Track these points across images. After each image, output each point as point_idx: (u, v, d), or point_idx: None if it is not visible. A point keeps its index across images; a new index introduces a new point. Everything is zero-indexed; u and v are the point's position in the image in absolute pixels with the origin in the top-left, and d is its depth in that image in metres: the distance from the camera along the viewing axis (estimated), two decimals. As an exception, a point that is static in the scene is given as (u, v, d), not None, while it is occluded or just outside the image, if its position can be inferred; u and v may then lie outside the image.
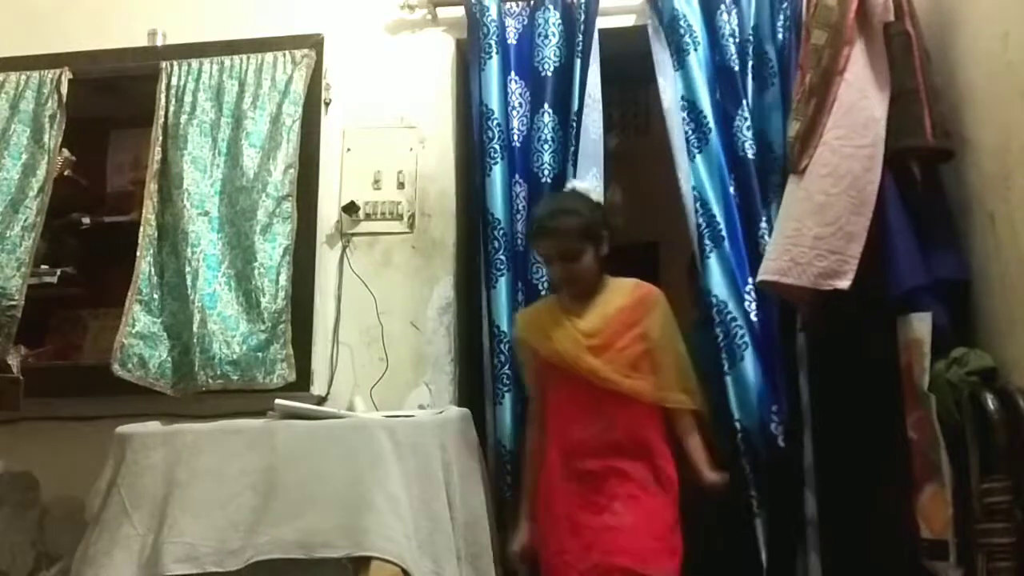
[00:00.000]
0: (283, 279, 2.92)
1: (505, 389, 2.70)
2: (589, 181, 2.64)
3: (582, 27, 2.86)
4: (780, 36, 2.77)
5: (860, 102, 2.23)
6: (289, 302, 2.90)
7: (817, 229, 2.21)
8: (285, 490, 2.21)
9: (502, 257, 2.78)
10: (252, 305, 2.90)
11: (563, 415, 2.37)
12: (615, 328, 2.35)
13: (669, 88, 2.78)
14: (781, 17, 2.77)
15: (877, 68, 2.25)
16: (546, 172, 2.80)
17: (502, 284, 2.77)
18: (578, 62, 2.83)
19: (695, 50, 2.78)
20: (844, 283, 2.17)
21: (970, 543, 1.86)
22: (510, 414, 2.68)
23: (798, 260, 2.23)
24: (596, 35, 2.85)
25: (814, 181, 2.25)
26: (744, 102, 2.73)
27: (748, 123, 2.71)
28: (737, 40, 2.79)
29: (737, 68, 2.76)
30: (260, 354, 2.86)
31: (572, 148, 2.77)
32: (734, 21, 2.81)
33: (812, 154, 2.26)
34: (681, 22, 2.79)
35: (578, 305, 2.40)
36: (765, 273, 2.33)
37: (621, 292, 2.41)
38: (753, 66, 2.77)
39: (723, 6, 2.81)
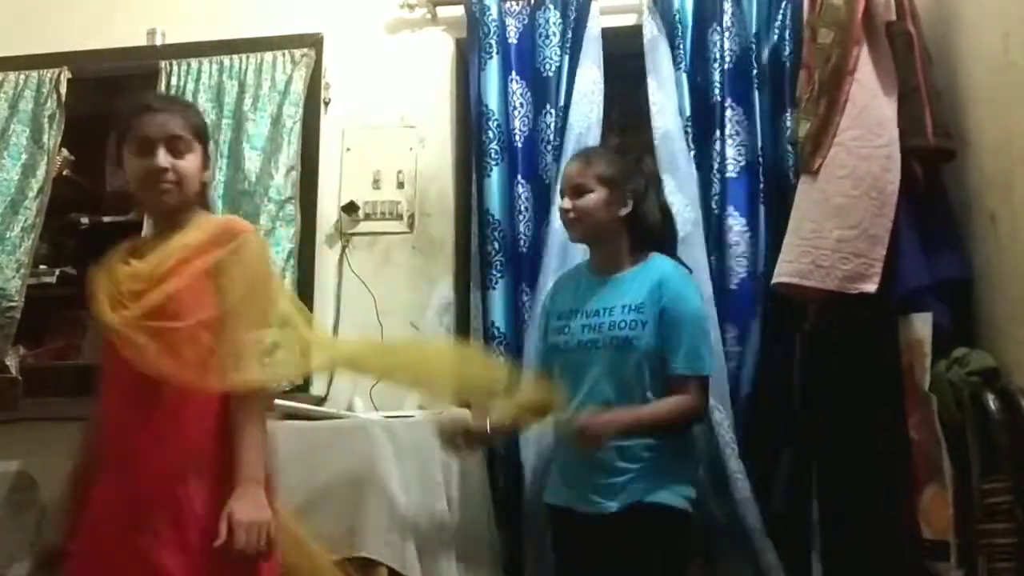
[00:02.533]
0: (287, 283, 2.92)
1: (502, 390, 2.69)
2: None
3: (572, 24, 2.86)
4: (779, 41, 2.75)
5: (872, 102, 2.23)
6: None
7: (839, 232, 2.19)
8: (286, 494, 2.19)
9: (501, 259, 2.78)
10: None
11: (103, 406, 1.77)
12: (167, 269, 1.70)
13: (669, 104, 2.74)
14: (779, 19, 2.76)
15: (884, 68, 2.25)
16: (550, 174, 2.80)
17: (501, 286, 2.76)
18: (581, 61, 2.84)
19: (684, 70, 2.77)
20: (871, 286, 2.15)
21: (971, 544, 1.85)
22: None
23: (820, 263, 2.21)
24: (595, 33, 2.84)
25: (831, 182, 2.23)
26: (717, 133, 2.70)
27: (717, 167, 2.68)
28: (728, 58, 2.76)
29: (717, 97, 2.72)
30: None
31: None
32: (728, 36, 2.76)
33: (826, 154, 2.25)
34: (678, 31, 2.79)
35: (153, 243, 1.79)
36: (783, 275, 2.29)
37: (204, 226, 1.78)
38: (754, 82, 2.73)
39: (715, 24, 2.78)
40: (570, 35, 2.87)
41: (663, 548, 2.06)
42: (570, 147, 2.72)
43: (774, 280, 2.34)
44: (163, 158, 1.73)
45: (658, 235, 2.23)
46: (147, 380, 1.63)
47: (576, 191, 2.20)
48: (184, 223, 1.77)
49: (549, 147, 2.81)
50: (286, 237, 2.96)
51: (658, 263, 2.18)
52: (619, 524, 2.05)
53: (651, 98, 2.75)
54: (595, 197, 2.18)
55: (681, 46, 2.78)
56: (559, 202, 2.29)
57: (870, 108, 2.22)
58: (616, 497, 2.07)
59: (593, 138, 2.76)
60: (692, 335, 2.10)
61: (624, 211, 2.19)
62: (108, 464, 1.70)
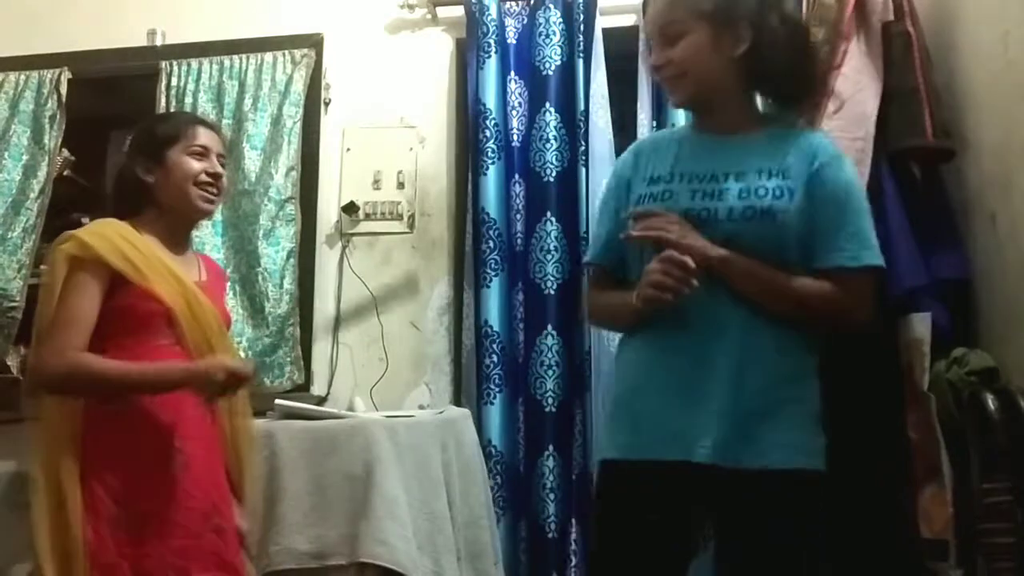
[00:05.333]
0: (287, 282, 2.93)
1: (496, 389, 2.70)
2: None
3: (581, 27, 2.86)
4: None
5: (857, 95, 2.23)
6: (296, 305, 2.91)
7: None
8: (290, 496, 2.20)
9: (496, 257, 2.79)
10: (257, 310, 2.92)
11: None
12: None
13: (646, 121, 2.76)
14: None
15: (872, 68, 2.25)
16: (548, 171, 2.81)
17: (496, 284, 2.77)
18: (580, 62, 2.84)
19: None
20: None
21: (970, 544, 1.85)
22: (501, 414, 2.69)
23: None
24: (599, 34, 2.85)
25: None
26: None
27: None
28: None
29: None
30: (267, 359, 2.87)
31: (582, 148, 2.78)
32: None
33: None
34: None
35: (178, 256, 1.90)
36: None
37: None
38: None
39: None
40: (569, 34, 2.88)
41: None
42: (596, 150, 2.75)
43: None
44: (220, 167, 1.89)
45: (794, 73, 1.58)
46: None
47: (668, 38, 1.58)
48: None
49: (549, 145, 2.82)
50: (286, 236, 2.97)
51: (808, 132, 1.60)
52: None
53: (638, 116, 2.78)
54: (694, 40, 1.55)
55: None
56: (650, 59, 1.67)
57: (852, 101, 2.22)
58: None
59: (609, 141, 2.79)
60: (857, 215, 1.51)
61: (740, 48, 1.55)
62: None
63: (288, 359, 2.88)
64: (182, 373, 1.71)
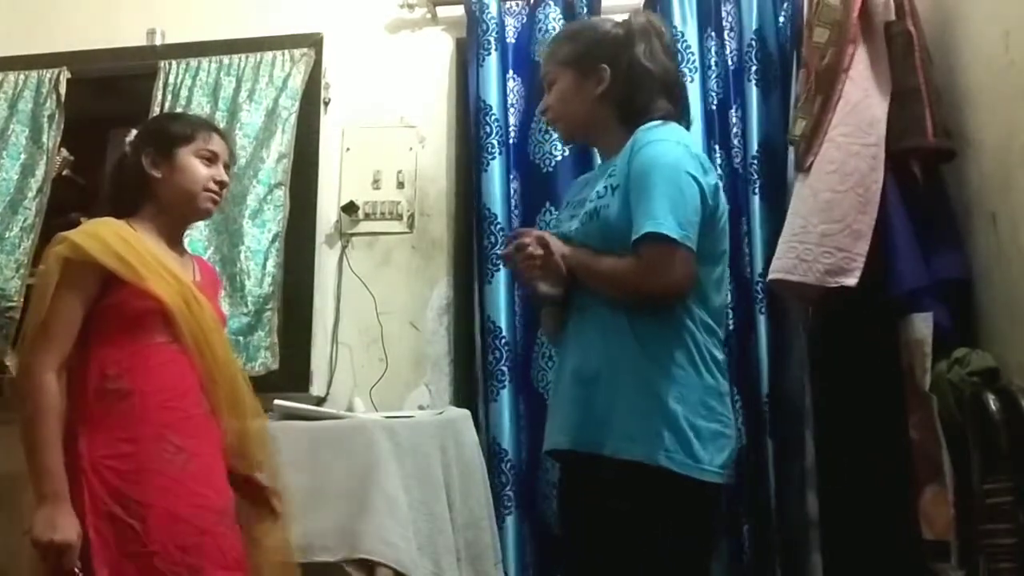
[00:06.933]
0: (271, 265, 2.92)
1: (500, 386, 2.70)
2: None
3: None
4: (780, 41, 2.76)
5: (865, 100, 2.23)
6: (277, 289, 2.91)
7: (824, 226, 2.20)
8: (287, 494, 2.19)
9: (497, 252, 2.78)
10: (236, 288, 2.90)
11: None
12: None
13: None
14: (782, 18, 2.78)
15: (879, 68, 2.25)
16: (547, 162, 2.80)
17: (499, 279, 2.76)
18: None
19: (690, 80, 2.70)
20: (851, 280, 2.16)
21: (972, 544, 1.85)
22: (507, 412, 2.68)
23: (804, 257, 2.22)
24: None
25: (820, 178, 2.24)
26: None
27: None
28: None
29: (715, 102, 2.74)
30: (242, 339, 2.85)
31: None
32: (731, 45, 2.80)
33: (817, 151, 2.26)
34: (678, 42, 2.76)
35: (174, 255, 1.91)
36: (773, 272, 2.32)
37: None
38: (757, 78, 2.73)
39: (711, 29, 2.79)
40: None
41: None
42: None
43: (768, 278, 2.36)
44: (226, 176, 1.93)
45: (643, 98, 1.74)
46: None
47: (547, 86, 1.84)
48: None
49: (547, 136, 2.80)
50: (273, 220, 2.96)
51: (640, 130, 1.71)
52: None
53: None
54: (561, 86, 1.79)
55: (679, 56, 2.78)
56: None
57: (862, 106, 2.22)
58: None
59: None
60: (650, 189, 1.61)
61: (600, 88, 1.75)
62: None
63: (263, 344, 2.86)
64: (46, 495, 1.66)
